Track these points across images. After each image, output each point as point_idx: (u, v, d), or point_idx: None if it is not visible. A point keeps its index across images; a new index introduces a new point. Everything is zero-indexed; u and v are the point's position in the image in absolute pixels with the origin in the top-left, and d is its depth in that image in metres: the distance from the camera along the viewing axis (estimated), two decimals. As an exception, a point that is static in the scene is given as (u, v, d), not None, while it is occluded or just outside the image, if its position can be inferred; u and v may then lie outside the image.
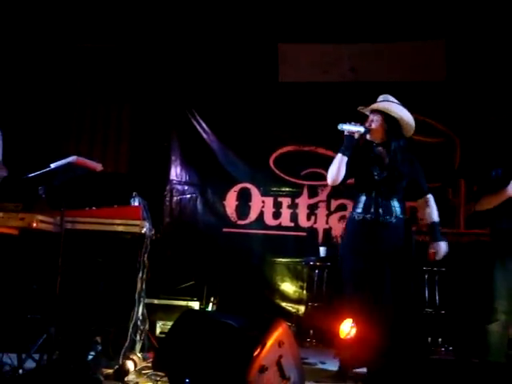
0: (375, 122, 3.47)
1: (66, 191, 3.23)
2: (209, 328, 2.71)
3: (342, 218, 5.47)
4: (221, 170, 5.78)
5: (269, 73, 5.73)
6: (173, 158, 5.86)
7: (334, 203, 5.59)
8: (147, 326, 3.66)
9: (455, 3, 5.30)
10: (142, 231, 3.41)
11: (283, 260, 5.61)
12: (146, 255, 3.58)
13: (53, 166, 3.16)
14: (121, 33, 5.77)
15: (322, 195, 5.61)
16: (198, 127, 5.86)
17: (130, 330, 3.44)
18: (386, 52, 5.57)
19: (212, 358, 2.55)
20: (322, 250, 5.18)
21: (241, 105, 5.77)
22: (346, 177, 3.44)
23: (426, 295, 4.70)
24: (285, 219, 5.70)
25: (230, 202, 5.77)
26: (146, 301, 3.72)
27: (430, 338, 4.58)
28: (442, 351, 4.50)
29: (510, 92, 5.13)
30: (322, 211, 5.64)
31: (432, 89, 5.45)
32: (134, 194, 3.57)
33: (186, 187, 5.87)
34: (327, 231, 5.57)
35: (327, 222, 5.57)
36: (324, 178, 3.81)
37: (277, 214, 5.72)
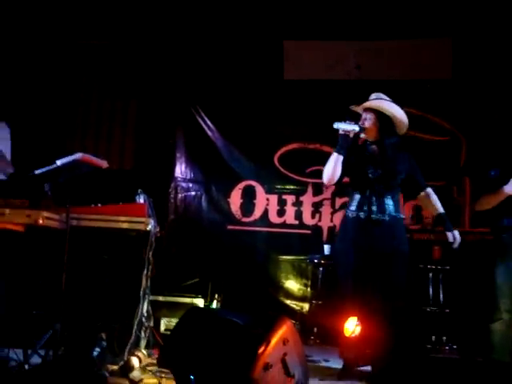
0: (368, 120, 3.48)
1: (71, 188, 3.24)
2: (214, 325, 2.71)
3: (346, 216, 5.46)
4: (225, 168, 5.77)
5: (274, 70, 5.71)
6: (178, 155, 5.86)
7: (339, 201, 5.58)
8: (152, 323, 3.68)
9: (462, 1, 5.28)
10: (147, 228, 3.43)
11: (287, 258, 5.61)
12: (150, 252, 3.59)
13: (58, 162, 3.17)
14: (126, 29, 5.77)
15: (327, 193, 5.60)
16: (203, 124, 5.86)
17: (135, 326, 3.45)
18: (391, 50, 5.55)
19: (217, 356, 2.55)
20: (327, 248, 5.18)
21: (246, 102, 5.77)
22: (342, 176, 3.46)
23: (431, 293, 4.70)
24: (289, 217, 5.70)
25: (235, 200, 5.77)
26: (151, 298, 3.74)
27: (434, 337, 4.57)
28: (446, 350, 4.50)
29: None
30: (326, 209, 5.63)
31: (438, 87, 5.44)
32: (139, 191, 3.58)
33: (191, 184, 5.87)
34: (332, 229, 5.56)
35: (332, 220, 5.56)
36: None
37: (281, 212, 5.72)
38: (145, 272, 3.55)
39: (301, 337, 2.83)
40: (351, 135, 3.40)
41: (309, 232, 5.64)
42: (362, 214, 3.42)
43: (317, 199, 5.67)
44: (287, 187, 5.74)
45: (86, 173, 3.35)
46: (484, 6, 5.24)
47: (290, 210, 5.70)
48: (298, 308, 5.49)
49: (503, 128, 5.15)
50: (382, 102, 3.50)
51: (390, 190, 3.46)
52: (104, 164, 3.38)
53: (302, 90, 5.64)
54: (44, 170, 3.16)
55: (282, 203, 5.73)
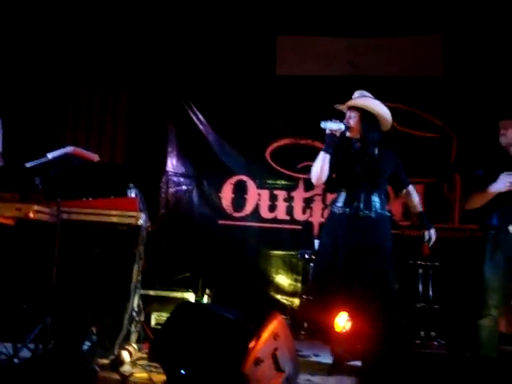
0: (353, 118, 3.50)
1: (62, 181, 3.23)
2: (204, 320, 2.72)
3: (337, 211, 5.47)
4: (217, 162, 5.76)
5: (266, 65, 5.71)
6: (169, 149, 5.84)
7: (330, 197, 5.55)
8: (142, 317, 3.68)
9: (453, -1, 5.31)
10: (138, 223, 3.42)
11: (278, 253, 5.63)
12: (141, 246, 3.59)
13: (49, 155, 3.15)
14: (117, 23, 5.74)
15: (318, 189, 5.59)
16: (195, 118, 5.84)
17: (126, 320, 3.45)
18: (384, 46, 5.57)
19: (207, 350, 2.56)
20: (317, 244, 5.19)
21: (238, 97, 5.76)
22: (330, 174, 3.48)
23: (420, 289, 4.74)
24: (280, 212, 5.71)
25: (226, 194, 5.76)
26: (142, 292, 3.73)
27: (423, 332, 4.62)
28: (435, 345, 4.54)
29: (507, 87, 5.13)
30: (317, 205, 5.65)
31: (429, 84, 5.46)
32: (131, 185, 3.57)
33: (182, 179, 5.86)
34: (322, 225, 5.57)
35: (323, 216, 5.57)
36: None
37: (272, 207, 5.73)
38: (135, 266, 3.55)
39: (291, 332, 2.85)
40: (338, 134, 3.42)
41: (300, 227, 5.65)
42: (348, 211, 3.45)
43: (308, 195, 5.69)
44: (278, 182, 5.75)
45: (77, 166, 3.33)
46: (475, 3, 5.26)
47: (282, 206, 5.71)
48: (288, 303, 5.51)
49: (493, 125, 5.17)
50: (366, 100, 3.53)
51: (376, 187, 3.50)
52: (95, 158, 3.36)
53: (294, 86, 5.64)
54: (35, 163, 3.14)
55: (273, 198, 5.73)
